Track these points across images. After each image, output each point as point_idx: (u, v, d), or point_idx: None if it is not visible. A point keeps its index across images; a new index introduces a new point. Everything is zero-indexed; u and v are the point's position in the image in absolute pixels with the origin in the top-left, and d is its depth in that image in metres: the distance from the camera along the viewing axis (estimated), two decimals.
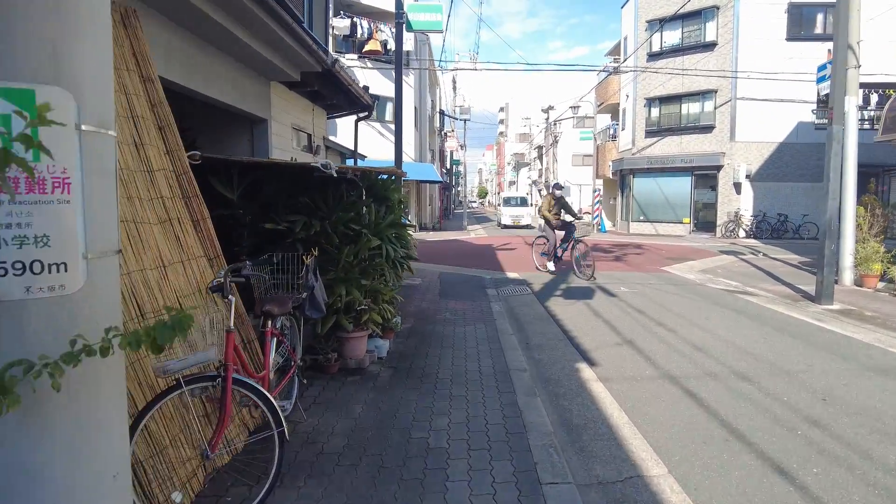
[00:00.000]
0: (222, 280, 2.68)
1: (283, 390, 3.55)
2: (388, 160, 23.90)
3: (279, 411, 2.66)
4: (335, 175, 4.38)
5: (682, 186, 23.05)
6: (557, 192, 11.14)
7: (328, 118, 10.58)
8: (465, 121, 27.22)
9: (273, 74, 6.27)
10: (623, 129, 26.08)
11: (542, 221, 11.28)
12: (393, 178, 5.61)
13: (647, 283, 9.99)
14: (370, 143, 22.41)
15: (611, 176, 27.37)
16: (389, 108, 23.33)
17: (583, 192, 41.20)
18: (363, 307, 4.76)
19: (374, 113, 23.53)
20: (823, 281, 7.95)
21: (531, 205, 33.13)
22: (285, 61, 6.00)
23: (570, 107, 26.08)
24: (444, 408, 3.89)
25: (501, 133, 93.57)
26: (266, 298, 3.31)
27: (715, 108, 21.77)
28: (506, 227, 28.47)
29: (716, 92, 21.69)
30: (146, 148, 3.44)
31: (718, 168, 21.73)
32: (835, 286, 8.26)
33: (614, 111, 28.68)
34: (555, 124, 37.56)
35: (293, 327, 3.81)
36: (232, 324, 2.69)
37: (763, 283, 10.03)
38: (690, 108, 22.59)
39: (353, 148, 10.99)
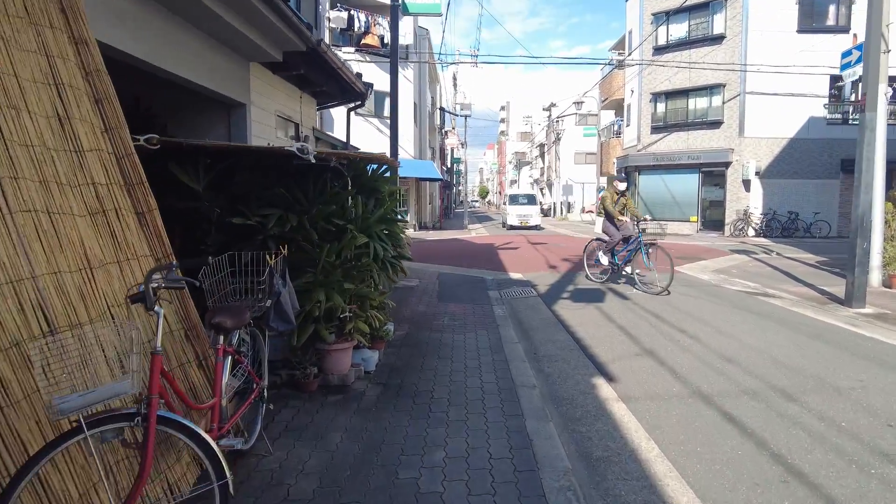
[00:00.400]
0: (146, 287, 2.04)
1: (243, 418, 2.93)
2: None
3: (221, 458, 2.04)
4: (314, 161, 3.75)
5: (689, 184, 22.41)
6: (621, 185, 9.26)
7: (319, 109, 9.96)
8: (465, 117, 26.55)
9: (252, 53, 5.65)
10: (628, 126, 25.44)
11: (598, 221, 9.98)
12: (384, 167, 4.98)
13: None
14: (368, 140, 21.79)
15: (615, 173, 26.70)
16: (388, 103, 22.71)
17: (586, 190, 40.60)
18: (347, 315, 4.13)
19: (373, 108, 22.92)
20: (854, 282, 7.30)
21: (539, 203, 31.29)
22: (265, 38, 5.37)
23: (574, 102, 25.46)
24: (440, 437, 3.26)
25: (502, 132, 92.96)
26: (217, 308, 2.68)
27: (723, 103, 21.11)
28: (512, 228, 26.15)
29: (724, 86, 21.03)
30: (74, 123, 2.81)
31: (727, 165, 21.07)
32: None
33: (618, 107, 28.04)
34: (557, 121, 36.91)
35: (256, 342, 3.18)
36: (159, 344, 2.06)
37: (783, 285, 9.38)
38: (698, 104, 21.94)
39: (346, 140, 10.31)
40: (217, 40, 5.19)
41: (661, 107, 23.06)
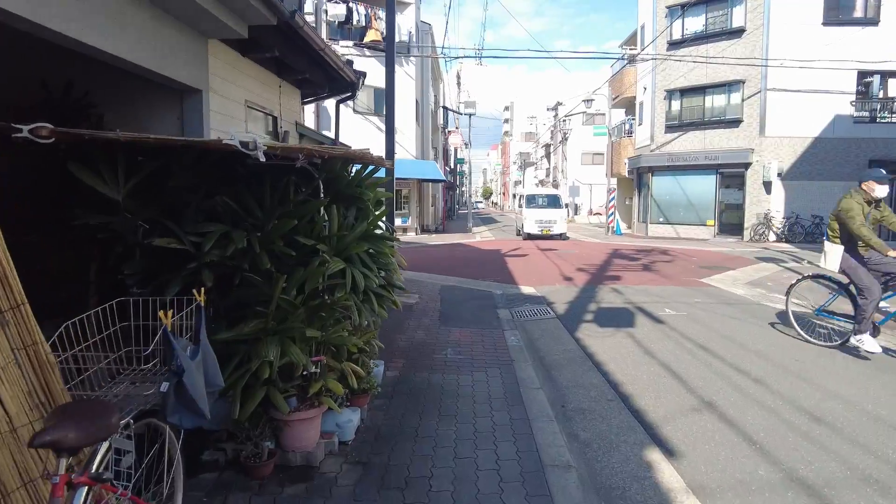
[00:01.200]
0: None
1: None
2: None
3: None
4: (263, 159, 2.65)
5: (705, 185, 21.24)
6: (880, 189, 5.21)
7: (306, 102, 8.87)
8: (469, 115, 25.44)
9: (209, 27, 4.55)
10: (640, 125, 24.29)
11: (829, 250, 5.39)
12: (370, 168, 3.87)
13: (691, 301, 8.22)
14: (367, 139, 20.70)
15: (626, 174, 25.57)
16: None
17: (594, 192, 39.42)
18: (314, 371, 3.02)
19: (373, 106, 21.87)
20: None
21: (565, 205, 23.12)
22: (221, 6, 4.28)
23: (583, 100, 24.33)
24: None
25: (506, 133, 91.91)
26: (52, 414, 1.57)
27: (742, 101, 19.94)
28: (531, 237, 20.80)
29: (743, 83, 19.86)
30: None
31: (746, 165, 19.90)
32: None
33: (629, 105, 26.88)
34: (564, 121, 35.78)
35: (160, 447, 2.06)
36: None
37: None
38: (715, 101, 20.78)
39: (335, 138, 9.25)
40: (162, 9, 4.11)
41: (675, 104, 21.90)
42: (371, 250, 3.61)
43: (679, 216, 22.10)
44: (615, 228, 24.32)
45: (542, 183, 55.20)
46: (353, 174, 3.72)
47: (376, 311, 3.65)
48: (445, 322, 6.69)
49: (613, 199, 24.69)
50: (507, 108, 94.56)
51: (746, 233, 20.00)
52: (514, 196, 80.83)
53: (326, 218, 3.33)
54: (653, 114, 22.76)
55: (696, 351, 5.51)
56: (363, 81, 7.81)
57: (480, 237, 22.30)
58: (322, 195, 3.32)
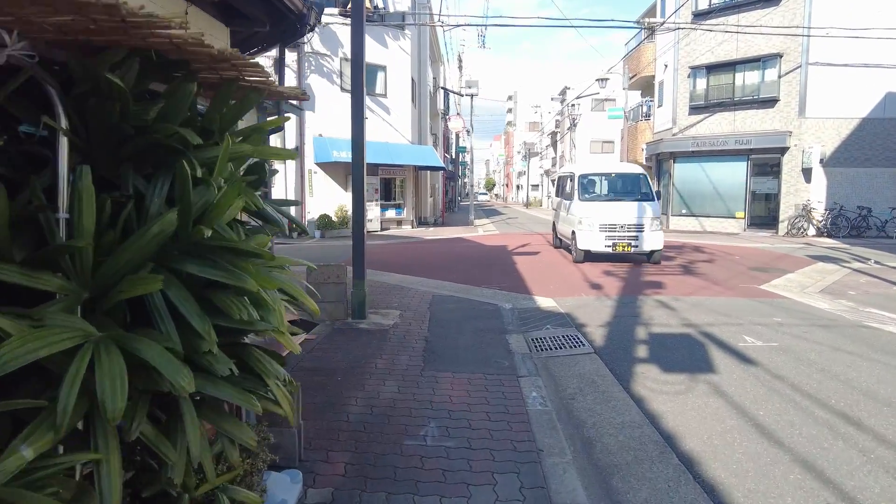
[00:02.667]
0: None
1: None
2: (379, 142, 19.97)
3: None
4: None
5: (735, 173, 19.00)
6: None
7: (250, 54, 6.67)
8: (472, 97, 23.19)
9: None
10: (660, 106, 22.02)
11: None
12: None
13: (770, 321, 6.06)
14: (350, 118, 18.52)
15: (644, 161, 23.32)
16: (381, 78, 19.44)
17: None
18: None
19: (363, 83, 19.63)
20: None
21: (655, 196, 11.49)
22: None
23: (597, 79, 22.07)
24: None
25: (510, 122, 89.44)
26: None
27: (779, 77, 17.65)
28: (593, 256, 10.86)
29: (780, 56, 17.57)
30: None
31: (783, 150, 17.65)
32: None
33: (647, 87, 24.58)
34: (573, 106, 33.47)
35: None
36: None
37: None
38: (747, 78, 18.49)
39: (281, 93, 6.96)
40: None
41: (701, 83, 19.61)
42: (215, 277, 1.45)
43: (704, 207, 19.88)
44: None
45: (547, 173, 52.90)
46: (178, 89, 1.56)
47: (235, 435, 1.51)
48: (432, 360, 4.56)
49: None
50: (510, 98, 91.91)
51: (782, 226, 17.78)
52: (518, 188, 78.52)
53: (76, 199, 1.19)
54: (675, 94, 20.48)
55: (836, 422, 3.36)
56: (319, 19, 5.63)
57: (483, 231, 20.12)
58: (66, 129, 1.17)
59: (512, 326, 5.74)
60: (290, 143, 17.68)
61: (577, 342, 5.17)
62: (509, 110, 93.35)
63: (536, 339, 5.26)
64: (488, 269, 9.97)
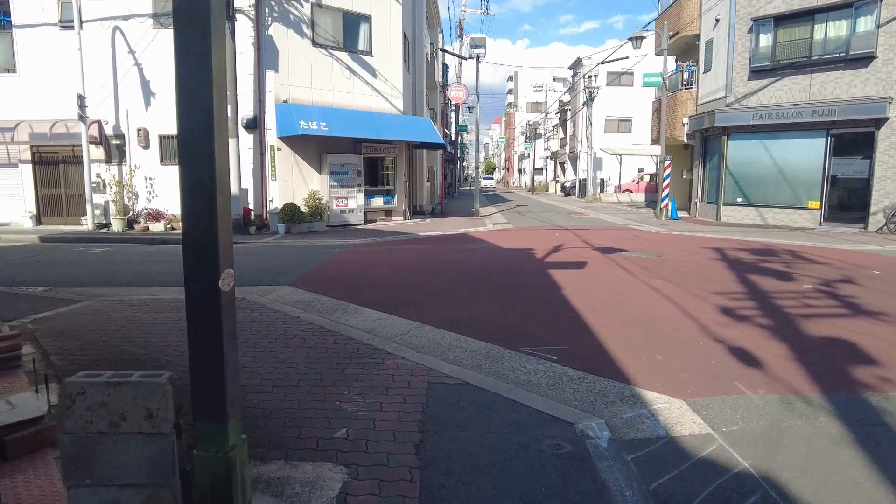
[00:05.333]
0: None
1: None
2: (362, 110, 15.94)
3: None
4: None
5: (809, 152, 15.13)
6: None
7: None
8: (477, 58, 19.16)
9: None
10: (707, 71, 18.03)
11: None
12: None
13: None
14: (335, 85, 14.56)
15: (684, 139, 19.41)
16: (365, 30, 15.39)
17: (625, 165, 33.27)
18: None
19: (341, 37, 15.65)
20: None
21: None
22: None
23: (630, 37, 18.06)
24: None
25: (510, 104, 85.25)
26: None
27: (877, 27, 13.70)
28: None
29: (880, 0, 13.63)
30: None
31: (879, 122, 13.79)
32: None
33: (686, 50, 20.55)
34: (588, 78, 29.40)
35: None
36: None
37: None
38: (830, 30, 14.53)
39: None
40: None
41: (765, 39, 15.65)
42: None
43: (766, 196, 16.05)
44: (670, 212, 18.27)
45: (555, 155, 48.88)
46: None
47: None
48: None
49: (669, 174, 18.54)
50: (510, 79, 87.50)
51: (874, 220, 13.98)
52: (521, 171, 74.27)
53: None
54: (729, 55, 16.50)
55: None
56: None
57: (493, 225, 16.22)
58: None
59: None
60: (245, 111, 13.72)
61: None
62: (510, 91, 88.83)
63: None
64: (521, 301, 6.12)
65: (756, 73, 15.81)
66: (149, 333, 4.84)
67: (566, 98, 42.50)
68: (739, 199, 16.57)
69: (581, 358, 4.25)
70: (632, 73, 33.91)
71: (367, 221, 15.70)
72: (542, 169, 57.47)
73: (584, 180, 33.15)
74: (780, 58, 15.33)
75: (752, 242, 11.63)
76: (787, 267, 8.34)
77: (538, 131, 52.65)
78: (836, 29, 14.39)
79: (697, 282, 7.13)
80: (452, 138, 37.39)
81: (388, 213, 16.66)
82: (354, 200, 15.22)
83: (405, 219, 17.11)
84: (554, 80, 58.61)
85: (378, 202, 16.37)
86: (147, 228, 13.92)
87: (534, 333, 4.90)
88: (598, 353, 4.38)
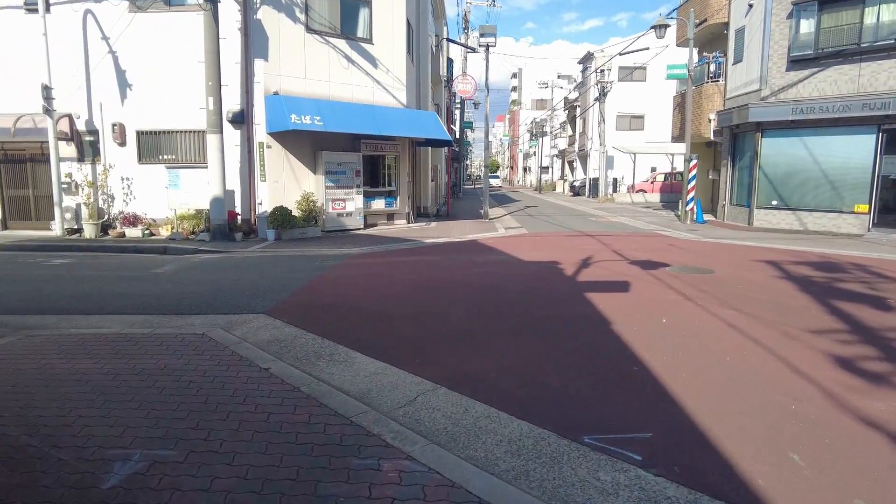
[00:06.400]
0: None
1: None
2: (362, 103, 14.47)
3: None
4: None
5: (856, 150, 13.66)
6: None
7: None
8: (487, 48, 17.67)
9: None
10: (737, 62, 16.55)
11: None
12: None
13: None
14: (331, 76, 13.14)
15: (710, 136, 17.94)
16: (365, 16, 13.97)
17: (638, 164, 31.85)
18: None
19: (338, 23, 14.19)
20: None
21: None
22: None
23: (654, 26, 16.59)
24: None
25: (514, 101, 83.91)
26: None
27: None
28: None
29: None
30: None
31: None
32: None
33: (711, 40, 19.06)
34: (601, 72, 27.91)
35: None
36: None
37: None
38: (883, 14, 13.04)
39: None
40: None
41: (807, 25, 14.18)
42: None
43: (805, 198, 14.58)
44: (696, 215, 16.83)
45: (562, 153, 47.40)
46: None
47: None
48: None
49: (695, 175, 17.07)
50: (514, 76, 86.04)
51: None
52: (526, 170, 72.69)
53: None
54: (764, 43, 15.02)
55: None
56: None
57: (505, 230, 14.79)
58: None
59: None
60: (231, 103, 12.32)
61: None
62: (513, 89, 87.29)
63: None
64: (564, 343, 4.69)
65: (796, 63, 14.33)
66: (55, 399, 3.44)
67: (573, 95, 41.00)
68: (774, 202, 15.10)
69: (678, 457, 2.82)
70: (644, 68, 32.44)
71: (366, 226, 14.29)
72: (548, 167, 56.00)
73: (595, 179, 31.68)
74: (823, 45, 13.84)
75: (806, 253, 10.19)
76: (870, 288, 6.90)
77: (544, 129, 51.16)
78: (890, 12, 12.90)
79: (776, 312, 5.69)
80: (458, 135, 35.95)
81: (390, 217, 15.25)
82: (353, 203, 13.81)
83: (408, 222, 15.69)
84: (559, 77, 57.20)
85: (379, 204, 14.95)
86: (123, 234, 12.53)
87: (594, 404, 3.48)
88: (701, 446, 2.96)
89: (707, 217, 17.56)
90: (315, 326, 5.23)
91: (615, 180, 31.54)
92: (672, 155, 29.86)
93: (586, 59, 35.30)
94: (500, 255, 9.89)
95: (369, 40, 13.92)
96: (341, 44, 13.40)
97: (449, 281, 7.42)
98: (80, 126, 12.80)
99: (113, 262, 9.52)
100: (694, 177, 17.01)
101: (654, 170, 33.79)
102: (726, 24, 17.39)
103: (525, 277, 7.64)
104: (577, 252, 10.05)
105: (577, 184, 36.90)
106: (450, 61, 29.92)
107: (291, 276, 7.82)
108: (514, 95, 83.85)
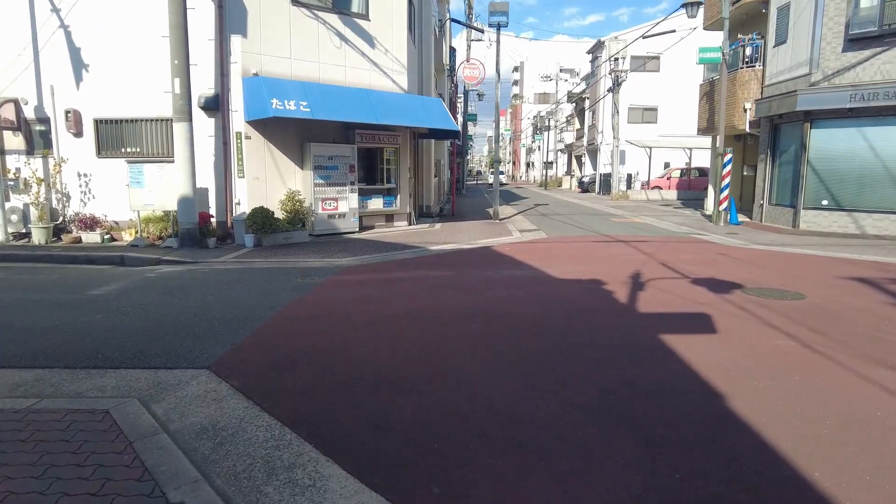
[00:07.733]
0: None
1: None
2: (357, 86, 12.52)
3: None
4: None
5: None
6: None
7: None
8: (498, 27, 15.78)
9: None
10: (779, 44, 14.73)
11: None
12: None
13: None
14: (321, 55, 11.32)
15: (745, 127, 16.14)
16: None
17: (654, 159, 30.08)
18: None
19: None
20: None
21: None
22: None
23: (684, 3, 14.75)
24: None
25: (516, 95, 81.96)
26: None
27: None
28: None
29: None
30: None
31: None
32: None
33: (744, 21, 17.21)
34: (615, 60, 26.06)
35: None
36: None
37: None
38: None
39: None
40: None
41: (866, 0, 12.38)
42: None
43: (862, 198, 12.79)
44: (729, 216, 15.06)
45: (569, 148, 45.58)
46: None
47: None
48: None
49: (729, 162, 15.27)
50: (516, 69, 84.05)
51: None
52: (529, 165, 70.85)
53: None
54: (816, 21, 13.19)
55: None
56: None
57: (520, 232, 13.01)
58: None
59: None
60: (204, 87, 10.52)
61: None
62: (515, 82, 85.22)
63: None
64: (666, 442, 2.90)
65: (855, 42, 12.51)
66: None
67: (580, 87, 39.13)
68: (825, 202, 13.32)
69: None
70: (658, 58, 30.60)
71: (362, 228, 12.51)
72: (552, 163, 54.18)
73: (606, 175, 29.88)
74: (890, 20, 12.03)
75: (862, 267, 8.42)
76: None
77: (549, 123, 49.31)
78: None
79: None
80: (461, 127, 34.04)
81: (389, 218, 13.46)
82: (346, 203, 12.02)
83: (410, 224, 13.91)
84: (561, 70, 55.39)
85: (376, 204, 13.15)
86: (79, 240, 10.74)
87: None
88: None
89: (741, 218, 15.78)
90: (275, 398, 3.47)
91: (629, 176, 29.75)
92: (690, 149, 28.06)
93: (596, 49, 33.45)
94: (524, 270, 8.11)
95: (365, 16, 12.10)
96: (333, 19, 11.57)
97: (464, 312, 5.63)
98: (29, 113, 11.00)
99: (49, 278, 7.74)
100: (728, 163, 15.21)
101: (667, 165, 32.01)
102: (765, 2, 15.55)
103: (566, 307, 5.85)
104: (617, 265, 8.28)
105: (585, 180, 35.11)
106: (452, 50, 28.06)
107: (260, 302, 6.04)
108: (516, 89, 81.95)
